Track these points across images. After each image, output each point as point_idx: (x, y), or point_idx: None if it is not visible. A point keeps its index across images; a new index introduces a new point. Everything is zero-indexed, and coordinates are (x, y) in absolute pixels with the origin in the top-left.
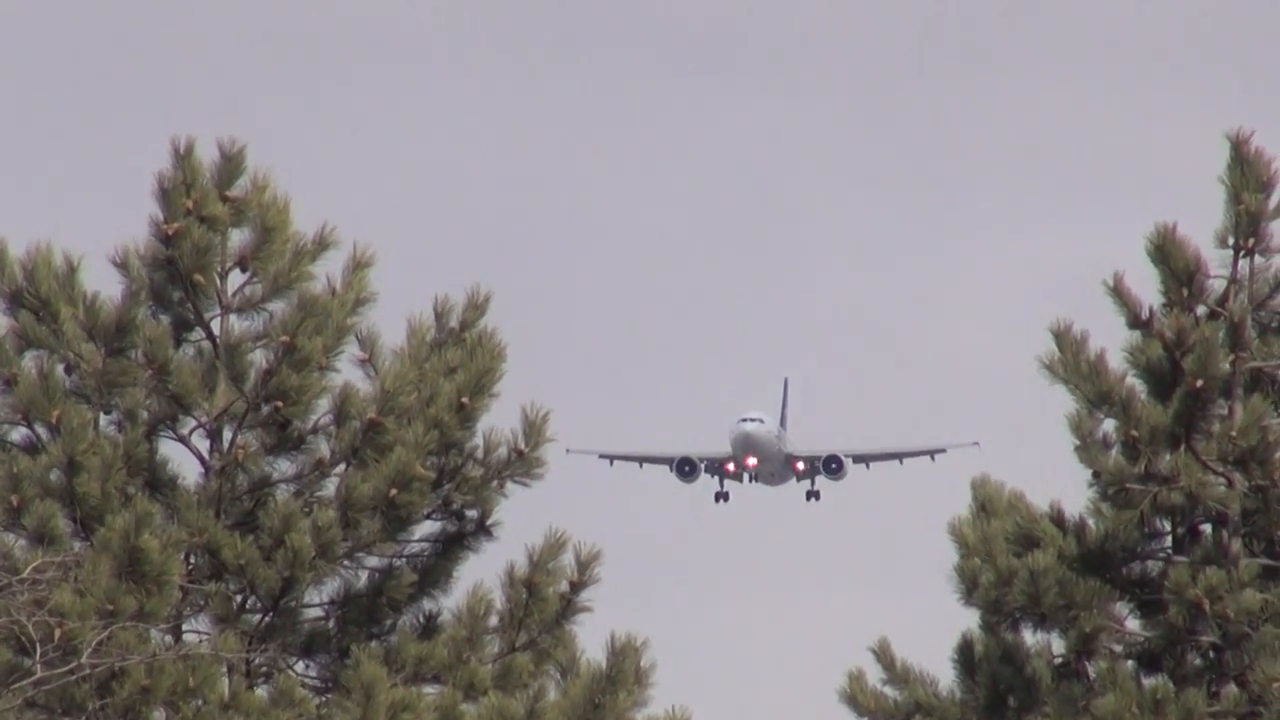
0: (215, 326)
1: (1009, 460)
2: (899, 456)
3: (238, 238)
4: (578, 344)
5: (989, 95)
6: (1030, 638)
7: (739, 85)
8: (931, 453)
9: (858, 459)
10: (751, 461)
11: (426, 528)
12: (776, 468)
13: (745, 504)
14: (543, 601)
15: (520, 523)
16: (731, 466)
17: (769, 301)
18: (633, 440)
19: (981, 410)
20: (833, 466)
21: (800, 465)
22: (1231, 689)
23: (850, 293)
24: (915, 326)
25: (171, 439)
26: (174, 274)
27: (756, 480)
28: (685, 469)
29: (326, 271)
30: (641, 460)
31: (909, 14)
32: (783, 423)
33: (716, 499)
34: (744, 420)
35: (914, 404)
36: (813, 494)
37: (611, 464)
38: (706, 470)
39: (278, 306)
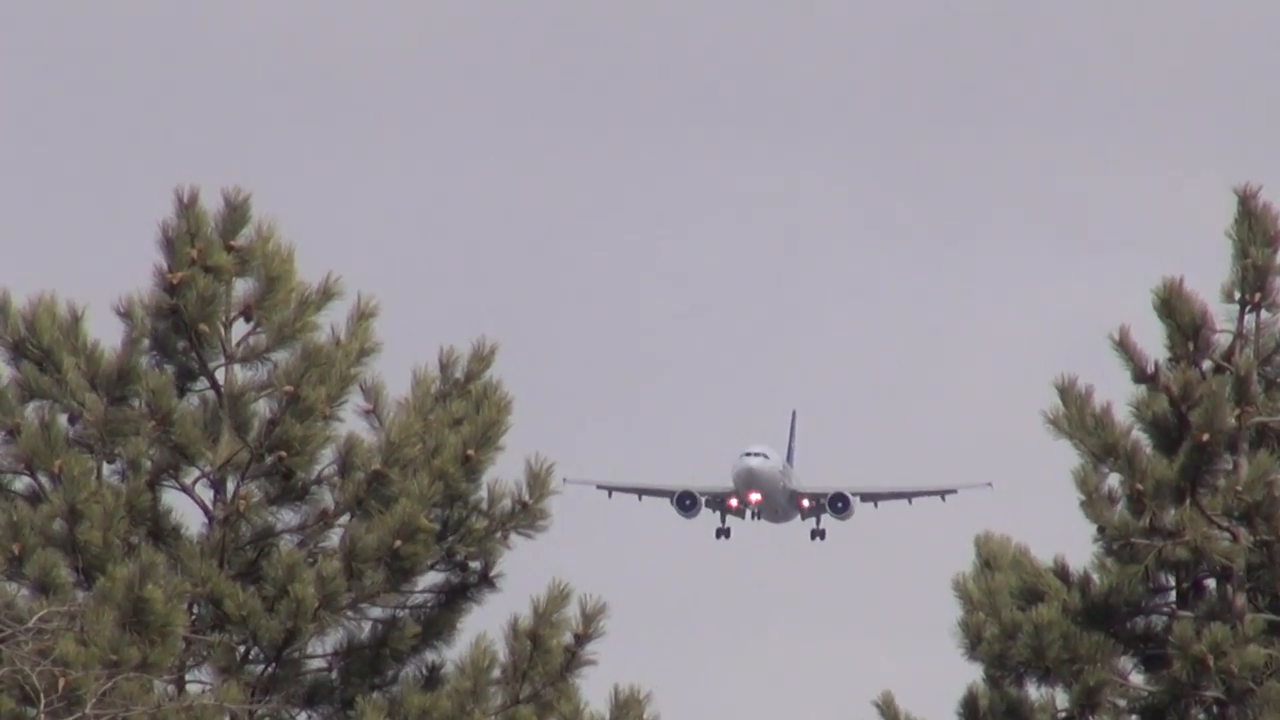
0: (219, 376)
1: (1020, 505)
2: (908, 496)
3: (242, 287)
4: (580, 372)
5: (999, 148)
6: (1034, 692)
7: (751, 137)
8: (942, 493)
9: (865, 497)
10: (754, 497)
11: (430, 579)
12: (781, 504)
13: (747, 541)
14: (547, 654)
15: (515, 560)
16: (734, 502)
17: (778, 338)
18: (632, 472)
19: (989, 460)
20: (839, 505)
21: (805, 502)
22: None
23: (859, 338)
24: (923, 375)
25: (175, 489)
26: (178, 323)
27: (760, 517)
28: (686, 503)
29: (331, 321)
30: (641, 493)
31: (921, 68)
32: (789, 457)
33: (717, 535)
34: (748, 454)
35: (922, 449)
36: (818, 533)
37: (610, 495)
38: (708, 505)
39: (282, 356)
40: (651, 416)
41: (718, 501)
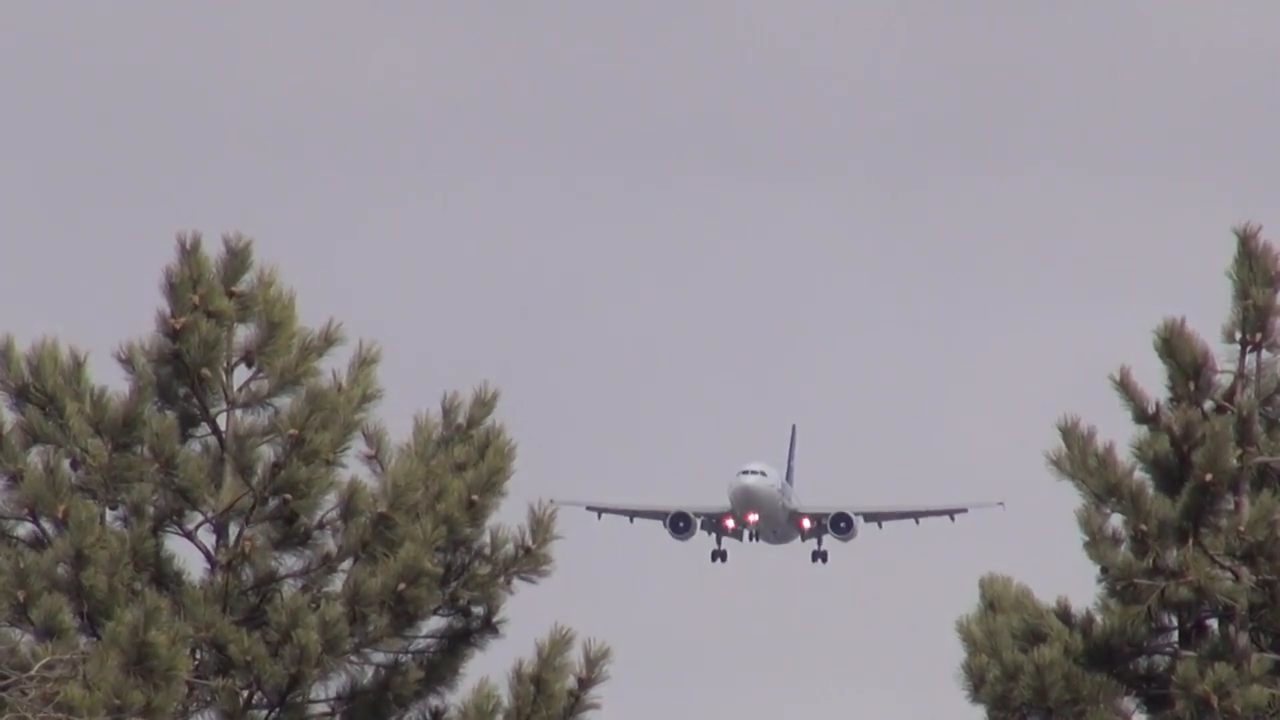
0: (221, 421)
1: (1032, 527)
2: (915, 516)
3: (244, 333)
4: (567, 387)
5: (1000, 189)
6: None
7: (755, 178)
8: (951, 513)
9: (869, 517)
10: (752, 518)
11: (433, 624)
12: (780, 525)
13: (745, 564)
14: (550, 698)
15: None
16: (730, 523)
17: (777, 360)
18: (623, 492)
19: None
20: (841, 525)
21: (806, 523)
22: None
23: (859, 367)
24: (924, 412)
25: (177, 534)
26: (180, 369)
27: (758, 538)
28: (680, 525)
29: (333, 367)
30: (632, 514)
31: (926, 109)
32: (789, 476)
33: (713, 558)
34: (744, 472)
35: (922, 481)
36: (819, 555)
37: (600, 517)
38: (703, 527)
39: (283, 402)
40: (643, 434)
41: (713, 523)
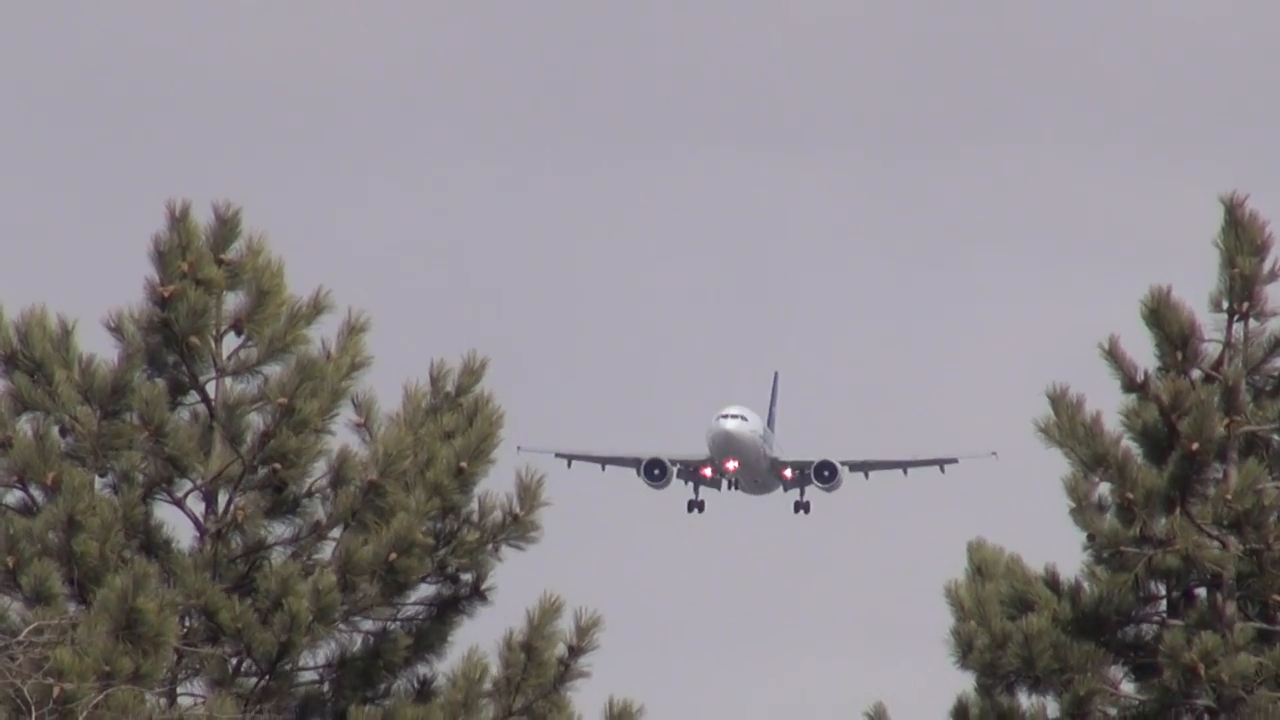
0: (210, 390)
1: (1025, 479)
2: (903, 466)
3: (233, 301)
4: (543, 335)
5: (988, 158)
6: (1025, 701)
7: (744, 151)
8: (942, 463)
9: (855, 467)
10: (731, 465)
11: (421, 591)
12: (760, 474)
13: (723, 515)
14: (540, 666)
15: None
16: (708, 471)
17: (757, 311)
18: (593, 439)
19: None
20: (825, 474)
21: (788, 472)
22: None
23: (841, 331)
24: (911, 376)
25: (166, 502)
26: (169, 337)
27: (737, 487)
28: (655, 472)
29: (321, 335)
30: (604, 461)
31: (911, 84)
32: (770, 424)
33: (690, 508)
34: (724, 416)
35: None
36: (801, 505)
37: (569, 465)
38: (679, 475)
39: (272, 370)
40: (615, 380)
41: (690, 471)
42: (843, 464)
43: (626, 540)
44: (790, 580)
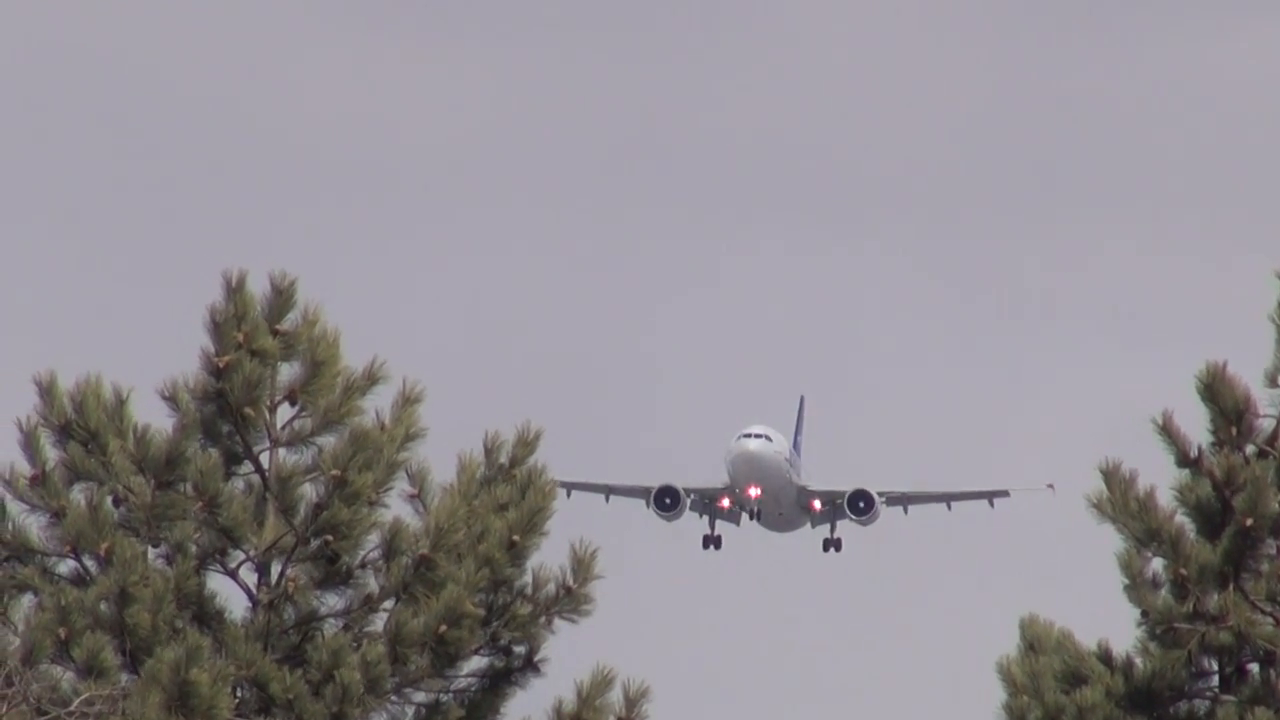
0: (264, 460)
1: (1082, 513)
2: (948, 499)
3: (287, 371)
4: (558, 359)
5: (1046, 232)
6: None
7: (808, 223)
8: (991, 496)
9: (894, 500)
10: (754, 492)
11: (474, 663)
12: (786, 503)
13: (742, 552)
14: None
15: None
16: (726, 501)
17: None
18: (598, 470)
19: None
20: (860, 505)
21: (818, 503)
22: None
23: (901, 409)
24: (959, 456)
25: (219, 572)
26: (224, 407)
27: (758, 519)
28: (666, 501)
29: (376, 406)
30: (609, 491)
31: (972, 156)
32: (795, 448)
33: (705, 544)
34: (745, 435)
35: None
36: (832, 543)
37: (569, 495)
38: (693, 507)
39: (327, 440)
40: (625, 411)
41: (705, 502)
42: (880, 495)
43: (629, 576)
44: (819, 630)
